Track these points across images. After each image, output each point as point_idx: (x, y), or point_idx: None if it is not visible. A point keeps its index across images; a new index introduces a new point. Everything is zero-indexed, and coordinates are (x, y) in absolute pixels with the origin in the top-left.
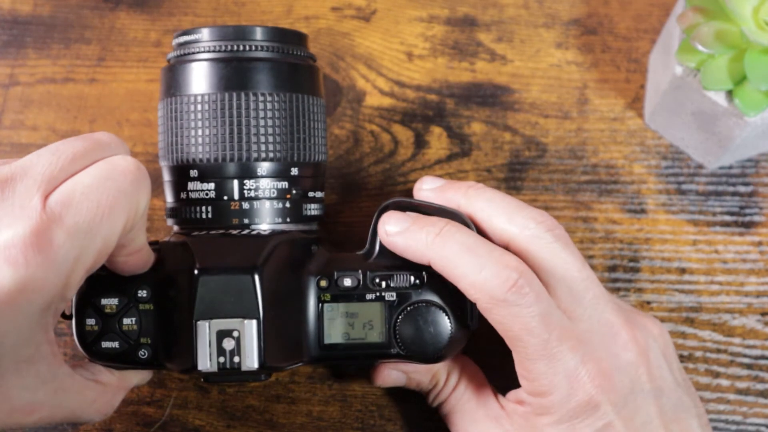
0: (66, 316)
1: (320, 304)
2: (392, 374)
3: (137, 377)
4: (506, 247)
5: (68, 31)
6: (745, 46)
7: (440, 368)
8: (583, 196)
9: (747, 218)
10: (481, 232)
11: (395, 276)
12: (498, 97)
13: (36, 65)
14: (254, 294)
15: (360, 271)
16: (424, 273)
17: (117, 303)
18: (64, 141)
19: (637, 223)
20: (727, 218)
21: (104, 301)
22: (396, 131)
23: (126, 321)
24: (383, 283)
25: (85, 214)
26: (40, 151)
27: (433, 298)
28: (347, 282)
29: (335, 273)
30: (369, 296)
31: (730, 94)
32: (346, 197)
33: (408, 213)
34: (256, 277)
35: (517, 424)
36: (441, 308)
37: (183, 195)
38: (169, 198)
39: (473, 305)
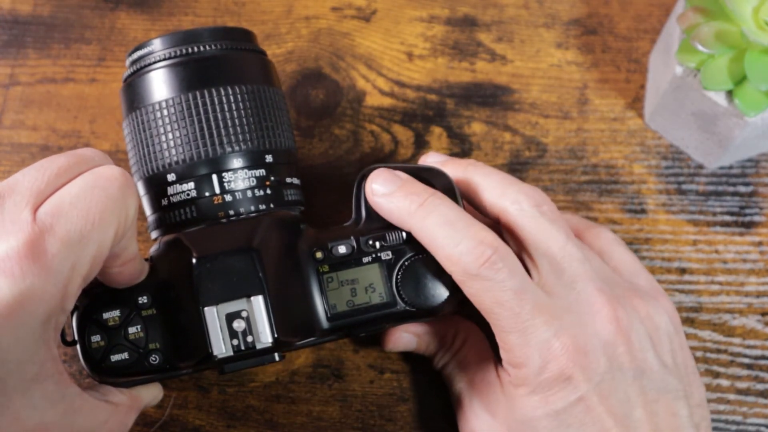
0: (69, 343)
1: (320, 276)
2: (403, 337)
3: (149, 395)
4: (497, 221)
5: (68, 31)
6: (745, 46)
7: (449, 330)
8: (583, 196)
9: (747, 218)
10: (475, 204)
11: (387, 235)
12: (498, 97)
13: (36, 65)
14: (256, 270)
15: (352, 237)
16: None
17: (119, 314)
18: (48, 158)
19: (637, 223)
20: (727, 218)
21: (106, 315)
22: (396, 131)
23: (131, 330)
24: (377, 244)
25: (76, 222)
26: (24, 170)
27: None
28: (342, 249)
29: (329, 243)
30: (366, 259)
31: (730, 94)
32: (346, 197)
33: (397, 173)
34: (254, 254)
35: (504, 393)
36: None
37: (164, 202)
38: (150, 210)
39: None
